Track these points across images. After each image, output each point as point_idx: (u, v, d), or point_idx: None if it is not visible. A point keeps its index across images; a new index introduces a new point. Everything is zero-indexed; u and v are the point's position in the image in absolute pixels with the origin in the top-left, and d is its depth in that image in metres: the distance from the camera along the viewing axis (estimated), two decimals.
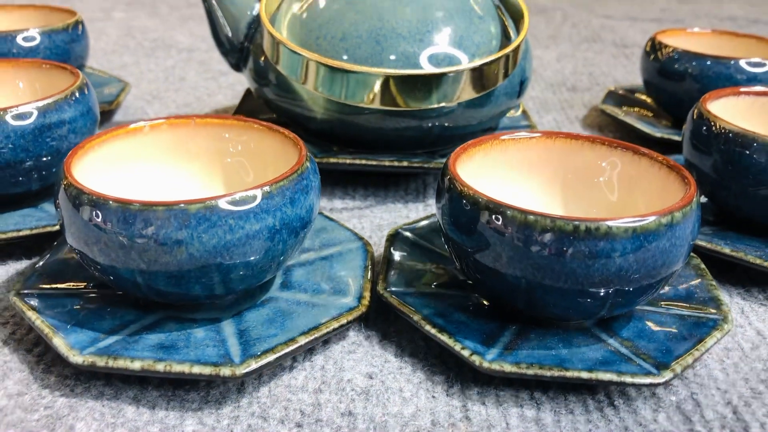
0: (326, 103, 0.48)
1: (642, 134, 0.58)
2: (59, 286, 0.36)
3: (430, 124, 0.49)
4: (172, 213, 0.30)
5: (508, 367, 0.31)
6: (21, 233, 0.40)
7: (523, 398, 0.32)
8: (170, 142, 0.39)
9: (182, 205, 0.30)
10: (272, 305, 0.35)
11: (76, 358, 0.31)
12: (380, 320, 0.37)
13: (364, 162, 0.49)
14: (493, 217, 0.31)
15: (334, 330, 0.33)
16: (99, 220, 0.30)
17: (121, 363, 0.30)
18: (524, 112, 0.61)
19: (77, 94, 0.43)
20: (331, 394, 0.32)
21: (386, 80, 0.46)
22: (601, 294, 0.31)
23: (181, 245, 0.30)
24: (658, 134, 0.58)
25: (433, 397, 0.32)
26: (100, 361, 0.30)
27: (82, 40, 0.60)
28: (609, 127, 0.65)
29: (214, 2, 0.53)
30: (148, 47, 0.88)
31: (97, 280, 0.37)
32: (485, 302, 0.36)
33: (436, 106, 0.47)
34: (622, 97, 0.68)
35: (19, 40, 0.56)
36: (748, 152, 0.40)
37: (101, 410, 0.31)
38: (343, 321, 0.34)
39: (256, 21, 0.53)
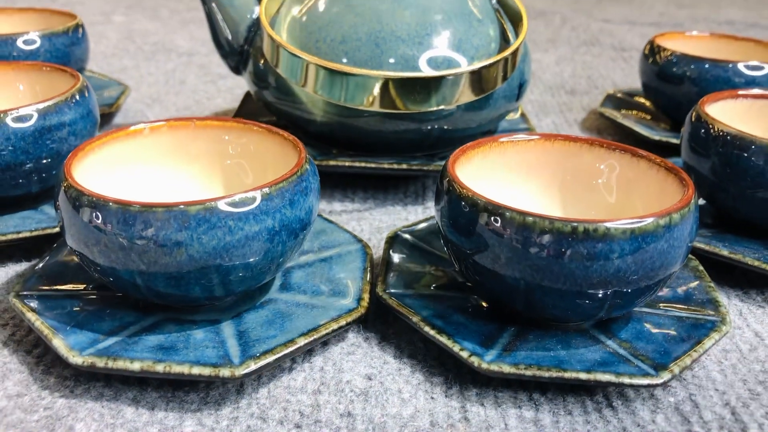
0: (326, 106, 0.48)
1: (640, 137, 0.59)
2: (59, 287, 0.36)
3: (429, 127, 0.49)
4: (172, 214, 0.30)
5: (506, 368, 0.31)
6: (20, 235, 0.40)
7: (521, 399, 0.32)
8: (170, 145, 0.40)
9: (182, 206, 0.30)
10: (271, 307, 0.35)
11: (76, 359, 0.31)
12: (379, 322, 0.37)
13: (363, 164, 0.49)
14: (492, 218, 0.31)
15: (333, 331, 0.33)
16: (99, 221, 0.30)
17: (121, 364, 0.30)
18: (523, 115, 0.61)
19: (77, 97, 0.43)
20: (330, 395, 0.32)
21: (385, 83, 0.46)
22: (600, 295, 0.31)
23: (181, 247, 0.30)
24: (657, 137, 0.58)
25: (432, 398, 0.32)
26: (100, 362, 0.30)
27: (82, 43, 0.60)
28: (608, 130, 0.65)
29: (214, 5, 0.54)
30: (148, 51, 0.88)
31: (96, 282, 0.37)
32: (484, 304, 0.36)
33: (435, 108, 0.47)
34: (621, 101, 0.68)
35: (19, 43, 0.56)
36: (746, 155, 0.40)
37: (101, 411, 0.31)
38: (342, 322, 0.34)
39: (256, 24, 0.53)
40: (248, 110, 0.60)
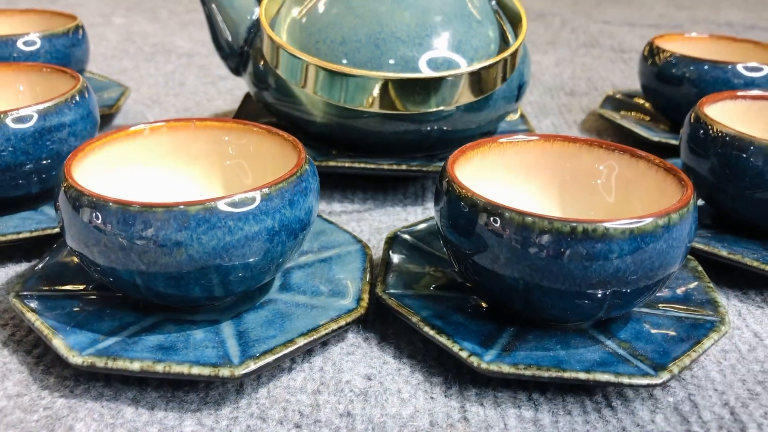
0: (325, 107, 0.49)
1: (640, 138, 0.59)
2: (58, 288, 0.36)
3: (428, 128, 0.49)
4: (172, 214, 0.30)
5: (506, 368, 0.31)
6: (20, 236, 0.41)
7: (521, 399, 0.32)
8: (170, 145, 0.40)
9: (182, 206, 0.30)
10: (271, 307, 0.35)
11: (76, 358, 0.31)
12: (379, 322, 0.37)
13: (363, 165, 0.49)
14: (491, 219, 0.31)
15: (333, 331, 0.33)
16: (99, 221, 0.30)
17: (121, 364, 0.30)
18: (522, 117, 0.61)
19: (77, 98, 0.43)
20: (329, 395, 0.32)
21: (385, 84, 0.46)
22: (599, 295, 0.31)
23: (181, 247, 0.30)
24: (656, 138, 0.58)
25: (432, 398, 0.32)
26: (100, 362, 0.30)
27: (82, 45, 0.60)
28: (607, 132, 0.65)
29: (214, 6, 0.54)
30: (148, 52, 0.88)
31: (96, 282, 0.37)
32: (483, 304, 0.36)
33: (434, 109, 0.47)
34: (620, 102, 0.68)
35: (19, 44, 0.56)
36: (745, 155, 0.40)
37: (100, 411, 0.31)
38: (342, 323, 0.34)
39: (256, 25, 0.53)
40: (248, 111, 0.60)
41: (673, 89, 0.58)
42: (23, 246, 0.43)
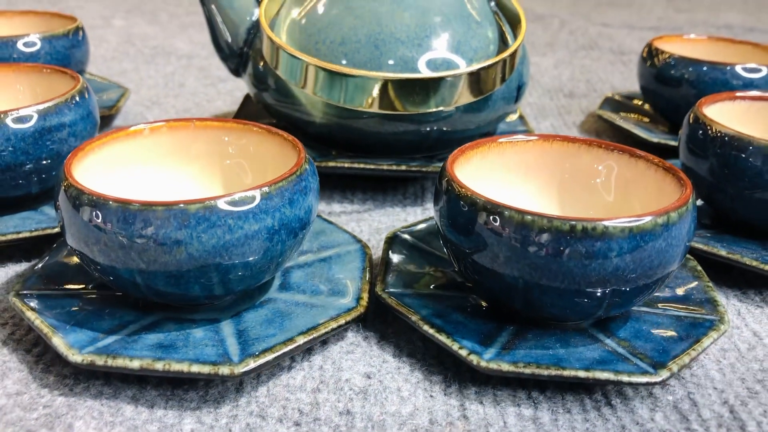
0: (325, 108, 0.49)
1: (639, 139, 0.59)
2: (58, 287, 0.36)
3: (428, 129, 0.49)
4: (172, 213, 0.30)
5: (505, 367, 0.31)
6: (20, 235, 0.41)
7: (520, 398, 0.32)
8: (170, 145, 0.40)
9: (181, 205, 0.30)
10: (271, 306, 0.35)
11: (75, 357, 0.31)
12: (378, 321, 0.37)
13: (362, 166, 0.49)
14: (491, 217, 0.31)
15: (333, 330, 0.33)
16: (99, 220, 0.31)
17: (120, 362, 0.30)
18: (522, 118, 0.61)
19: (77, 98, 0.43)
20: (329, 394, 0.32)
21: (385, 84, 0.46)
22: (598, 294, 0.31)
23: (181, 245, 0.30)
24: (655, 139, 0.58)
25: (431, 396, 0.32)
26: (99, 360, 0.30)
27: (82, 46, 0.61)
28: (606, 133, 0.66)
29: (213, 8, 0.54)
30: (147, 54, 0.88)
31: (96, 282, 0.37)
32: (483, 303, 0.36)
33: (434, 110, 0.47)
34: (620, 103, 0.68)
35: (19, 45, 0.56)
36: (744, 155, 0.40)
37: (100, 409, 0.31)
38: (342, 321, 0.34)
39: (256, 26, 0.53)
40: (248, 112, 0.60)
41: (672, 90, 0.58)
42: (23, 246, 0.43)
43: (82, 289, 0.36)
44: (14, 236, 0.40)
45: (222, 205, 0.31)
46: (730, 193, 0.42)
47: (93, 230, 0.31)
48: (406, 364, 0.34)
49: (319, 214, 0.44)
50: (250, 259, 0.32)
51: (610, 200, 0.39)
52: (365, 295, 0.36)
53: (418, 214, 0.49)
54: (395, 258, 0.39)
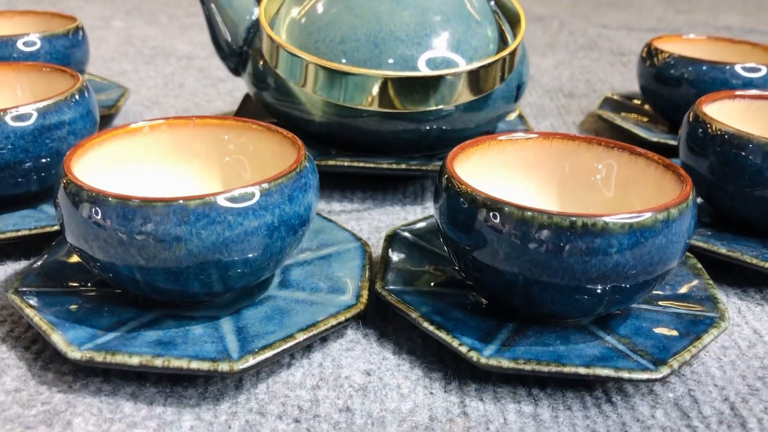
0: (325, 106, 0.49)
1: (638, 139, 0.59)
2: (57, 284, 0.36)
3: (427, 127, 0.49)
4: (171, 209, 0.30)
5: (505, 363, 0.31)
6: (20, 233, 0.40)
7: (520, 395, 0.32)
8: (170, 143, 0.40)
9: (181, 201, 0.30)
10: (270, 303, 0.35)
11: (74, 353, 0.31)
12: (378, 319, 0.37)
13: (362, 164, 0.49)
14: (491, 214, 0.31)
15: (332, 327, 0.33)
16: (98, 217, 0.30)
17: (119, 358, 0.30)
18: (521, 117, 0.61)
19: (77, 96, 0.43)
20: (329, 391, 0.32)
21: (384, 82, 0.46)
22: (598, 290, 0.31)
23: (180, 242, 0.30)
24: (655, 139, 0.58)
25: (431, 393, 0.32)
26: (98, 357, 0.30)
27: (82, 46, 0.61)
28: (606, 133, 0.66)
29: (213, 7, 0.54)
30: (147, 55, 0.88)
31: (95, 279, 0.37)
32: (483, 301, 0.36)
33: (433, 108, 0.47)
34: (619, 103, 0.68)
35: (19, 44, 0.56)
36: (743, 153, 0.40)
37: (99, 406, 0.31)
38: (341, 318, 0.34)
39: (255, 25, 0.53)
40: (247, 112, 0.60)
41: (671, 90, 0.58)
42: (22, 244, 0.43)
43: (81, 286, 0.36)
44: (13, 234, 0.40)
45: (221, 201, 0.30)
46: (730, 191, 0.42)
47: (92, 227, 0.31)
48: (405, 361, 0.34)
49: (318, 213, 0.44)
50: (250, 255, 0.32)
51: (610, 198, 0.39)
52: (365, 293, 0.36)
53: (418, 213, 0.49)
54: (395, 256, 0.39)
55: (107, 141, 0.38)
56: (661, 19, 1.20)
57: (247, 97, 0.63)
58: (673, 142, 0.57)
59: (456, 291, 0.37)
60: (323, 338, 0.35)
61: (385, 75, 0.46)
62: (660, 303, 0.36)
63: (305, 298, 0.36)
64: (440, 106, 0.47)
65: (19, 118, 0.41)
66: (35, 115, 0.41)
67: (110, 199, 0.30)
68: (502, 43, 0.51)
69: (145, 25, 1.04)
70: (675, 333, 0.34)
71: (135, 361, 0.30)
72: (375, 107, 0.47)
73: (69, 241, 0.33)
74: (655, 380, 0.30)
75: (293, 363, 0.34)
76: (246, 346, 0.31)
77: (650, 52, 0.61)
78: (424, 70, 0.47)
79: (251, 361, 0.30)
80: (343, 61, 0.47)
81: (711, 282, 0.38)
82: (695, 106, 0.45)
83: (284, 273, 0.38)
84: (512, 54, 0.50)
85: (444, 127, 0.49)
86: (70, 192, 0.32)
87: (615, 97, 0.69)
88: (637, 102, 0.68)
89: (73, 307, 0.34)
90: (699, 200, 0.46)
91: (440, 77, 0.46)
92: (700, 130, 0.43)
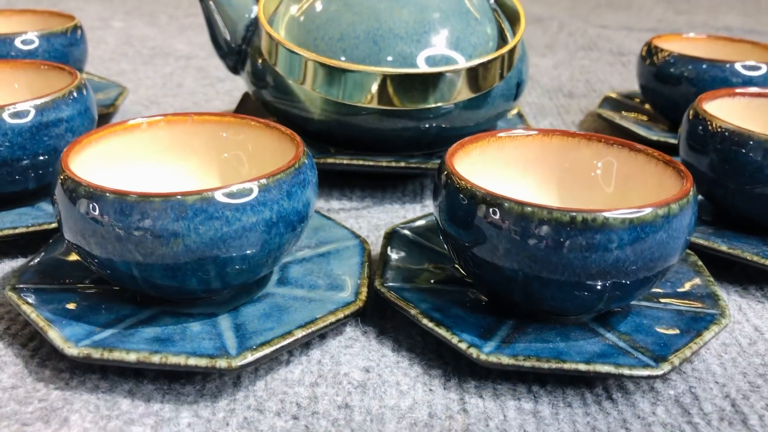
0: (324, 104, 0.48)
1: (638, 137, 0.59)
2: (55, 281, 0.36)
3: (427, 125, 0.49)
4: (169, 204, 0.30)
5: (505, 360, 0.31)
6: (17, 231, 0.40)
7: (520, 391, 0.32)
8: (168, 140, 0.39)
9: (179, 196, 0.30)
10: (269, 300, 0.35)
11: (72, 350, 0.30)
12: (377, 316, 0.37)
13: (361, 162, 0.49)
14: (491, 210, 0.31)
15: (331, 324, 0.33)
16: (96, 212, 0.30)
17: (117, 355, 0.30)
18: (521, 116, 0.61)
19: (75, 94, 0.43)
20: (327, 388, 0.32)
21: (384, 80, 0.46)
22: (598, 287, 0.31)
23: (178, 237, 0.30)
24: (655, 137, 0.58)
25: (431, 390, 0.32)
26: (96, 353, 0.30)
27: (80, 44, 0.60)
28: (605, 132, 0.65)
29: (212, 5, 0.54)
30: (146, 55, 0.88)
31: (93, 276, 0.36)
32: (483, 298, 0.36)
33: (432, 106, 0.47)
34: (619, 103, 0.68)
35: (17, 43, 0.56)
36: (744, 150, 0.40)
37: (96, 403, 0.30)
38: (340, 315, 0.33)
39: (254, 23, 0.53)
40: (246, 111, 0.59)
41: (671, 88, 0.58)
42: (19, 242, 0.43)
43: (78, 283, 0.36)
44: (11, 231, 0.40)
45: (219, 197, 0.30)
46: (731, 189, 0.41)
47: (90, 222, 0.31)
48: (405, 358, 0.34)
49: (317, 211, 0.44)
50: (248, 252, 0.32)
51: (610, 195, 0.38)
52: (364, 290, 0.36)
53: (417, 211, 0.49)
54: (394, 253, 0.39)
55: (105, 137, 0.37)
56: (660, 19, 1.19)
57: (245, 96, 0.63)
58: (673, 141, 0.57)
59: (455, 288, 0.37)
60: (322, 335, 0.35)
61: (384, 72, 0.46)
62: (661, 300, 0.36)
63: (304, 295, 0.35)
64: (439, 104, 0.47)
65: (16, 115, 0.40)
66: (33, 112, 0.41)
67: (108, 194, 0.30)
68: (502, 41, 0.51)
69: (145, 26, 1.04)
70: (676, 330, 0.33)
71: (132, 357, 0.30)
72: (374, 105, 0.47)
73: (66, 238, 0.33)
74: (656, 377, 0.30)
75: (292, 360, 0.33)
76: (244, 342, 0.31)
77: (650, 51, 0.61)
78: (423, 68, 0.47)
79: (249, 357, 0.30)
80: (342, 58, 0.47)
81: (712, 279, 0.38)
82: (695, 103, 0.44)
83: (283, 270, 0.38)
84: (512, 51, 0.49)
85: (443, 125, 0.49)
86: (68, 188, 0.31)
87: (615, 96, 0.69)
88: (636, 101, 0.68)
89: (70, 304, 0.34)
90: (699, 198, 0.45)
91: (439, 74, 0.46)
92: (701, 128, 0.43)
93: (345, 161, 0.49)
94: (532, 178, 0.40)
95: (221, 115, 0.40)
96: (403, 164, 0.49)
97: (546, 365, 0.30)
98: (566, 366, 0.30)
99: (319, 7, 0.50)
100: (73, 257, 0.38)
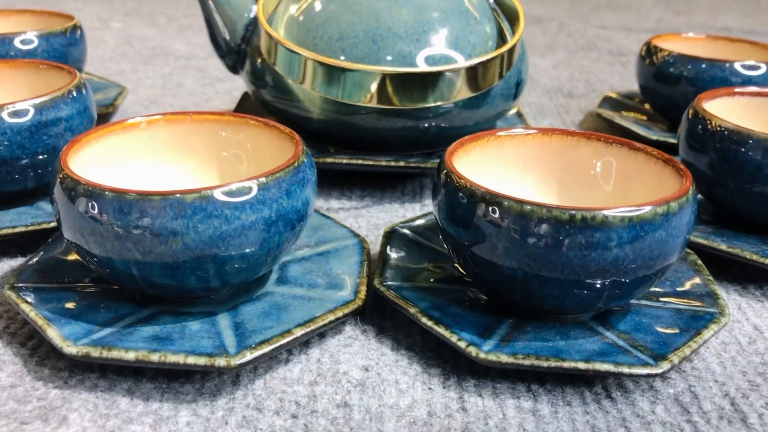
0: (323, 103, 0.48)
1: (638, 137, 0.59)
2: (54, 280, 0.36)
3: (426, 125, 0.49)
4: (168, 203, 0.30)
5: (504, 358, 0.31)
6: (16, 230, 0.40)
7: (519, 390, 0.32)
8: (167, 139, 0.39)
9: (178, 195, 0.30)
10: (268, 299, 0.35)
11: (70, 348, 0.30)
12: (376, 315, 0.37)
13: (360, 162, 0.49)
14: (490, 208, 0.31)
15: (330, 323, 0.33)
16: (95, 211, 0.30)
17: (116, 353, 0.30)
18: (521, 116, 0.61)
19: (74, 93, 0.43)
20: (326, 386, 0.32)
21: (383, 79, 0.46)
22: (598, 285, 0.31)
23: (177, 235, 0.30)
24: (654, 137, 0.58)
25: (430, 388, 0.32)
26: (95, 352, 0.30)
27: (79, 44, 0.60)
28: (605, 131, 0.65)
29: (211, 4, 0.54)
30: (146, 55, 0.88)
31: (92, 275, 0.36)
32: (482, 297, 0.36)
33: (432, 105, 0.47)
34: (618, 103, 0.68)
35: (16, 42, 0.56)
36: (743, 149, 0.40)
37: (95, 401, 0.30)
38: (339, 314, 0.33)
39: (253, 23, 0.53)
40: (245, 111, 0.59)
41: (671, 88, 0.58)
42: (19, 241, 0.43)
43: (77, 282, 0.36)
44: (10, 231, 0.40)
45: (219, 195, 0.30)
46: (730, 188, 0.41)
47: (89, 221, 0.31)
48: (404, 357, 0.34)
49: (317, 210, 0.44)
50: (247, 250, 0.31)
51: (609, 193, 0.38)
52: (363, 289, 0.36)
53: (417, 211, 0.49)
54: (393, 252, 0.39)
55: (104, 136, 0.37)
56: (660, 20, 1.20)
57: (245, 96, 0.63)
58: (672, 140, 0.57)
59: (455, 287, 0.37)
60: (321, 334, 0.35)
61: (383, 71, 0.46)
62: (660, 299, 0.36)
63: (303, 294, 0.35)
64: (439, 103, 0.47)
65: (15, 114, 0.40)
66: (32, 111, 0.41)
67: (107, 192, 0.30)
68: (501, 40, 0.51)
69: (144, 26, 1.04)
70: (675, 329, 0.33)
71: (131, 356, 0.30)
72: (373, 104, 0.47)
73: (66, 237, 0.33)
74: (655, 375, 0.30)
75: (291, 359, 0.33)
76: (243, 341, 0.31)
77: (649, 51, 0.61)
78: (422, 67, 0.47)
79: (248, 356, 0.30)
80: (342, 57, 0.47)
81: (711, 278, 0.38)
82: (695, 102, 0.44)
83: (282, 269, 0.38)
84: (511, 51, 0.49)
85: (442, 125, 0.49)
86: (67, 186, 0.31)
87: (614, 96, 0.69)
88: (636, 101, 0.68)
89: (69, 302, 0.34)
90: (699, 197, 0.45)
91: (439, 73, 0.46)
92: (700, 127, 0.43)
93: (344, 160, 0.49)
94: (532, 177, 0.40)
95: (220, 114, 0.40)
96: (402, 163, 0.49)
97: (545, 364, 0.30)
98: (565, 364, 0.30)
99: (318, 6, 0.50)
100: (73, 256, 0.38)
